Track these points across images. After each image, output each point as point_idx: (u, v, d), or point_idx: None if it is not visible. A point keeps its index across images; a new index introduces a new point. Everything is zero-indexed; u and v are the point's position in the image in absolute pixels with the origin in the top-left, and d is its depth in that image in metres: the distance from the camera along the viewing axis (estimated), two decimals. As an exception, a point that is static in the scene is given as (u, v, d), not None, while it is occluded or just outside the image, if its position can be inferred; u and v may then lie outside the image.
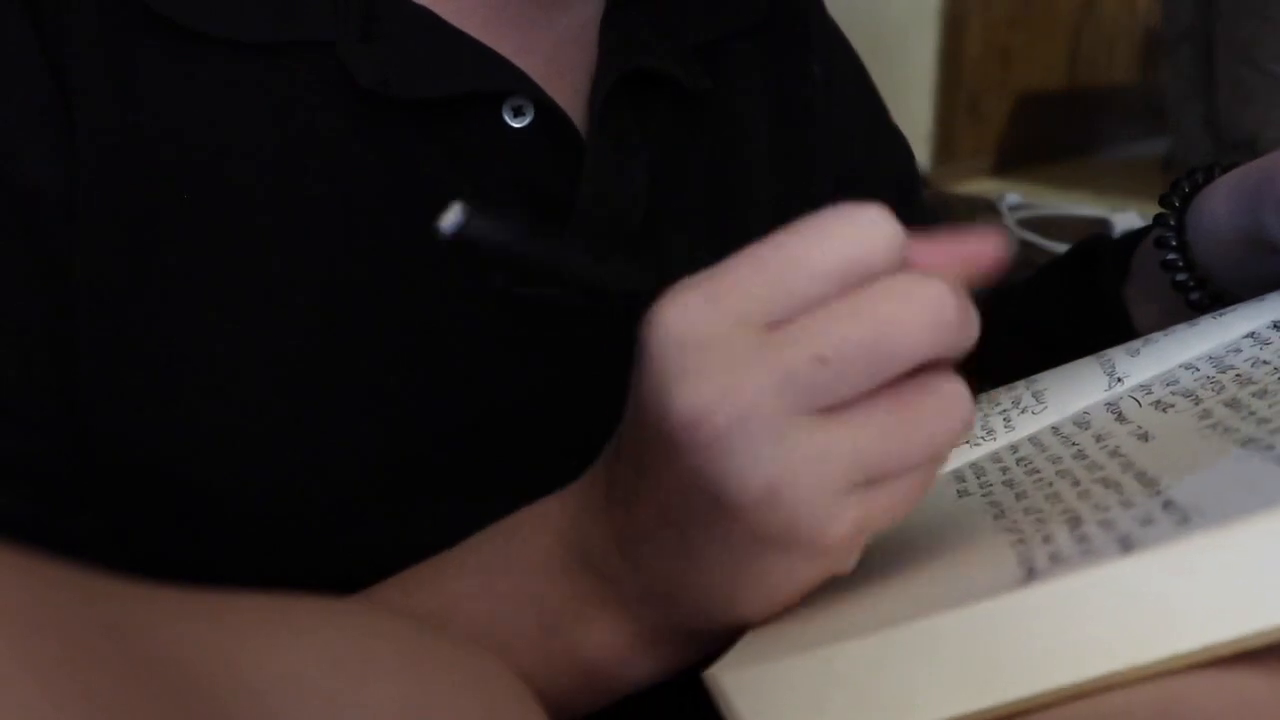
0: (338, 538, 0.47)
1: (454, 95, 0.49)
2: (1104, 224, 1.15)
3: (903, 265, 0.35)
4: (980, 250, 0.36)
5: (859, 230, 0.35)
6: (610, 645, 0.40)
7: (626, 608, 0.40)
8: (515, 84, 0.51)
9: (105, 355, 0.45)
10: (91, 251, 0.45)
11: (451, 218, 0.35)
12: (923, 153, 1.40)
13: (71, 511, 0.45)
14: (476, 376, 0.49)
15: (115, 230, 0.45)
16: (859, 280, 0.34)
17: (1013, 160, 1.48)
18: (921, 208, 0.70)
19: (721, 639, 0.38)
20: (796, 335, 0.34)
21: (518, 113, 0.51)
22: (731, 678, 0.35)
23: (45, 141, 0.45)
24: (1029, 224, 1.26)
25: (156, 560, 0.45)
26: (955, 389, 0.35)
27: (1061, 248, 1.16)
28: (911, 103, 1.42)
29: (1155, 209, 0.58)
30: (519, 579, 0.42)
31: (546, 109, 0.51)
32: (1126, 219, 1.12)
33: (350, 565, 0.44)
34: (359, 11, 0.49)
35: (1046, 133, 1.54)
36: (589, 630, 0.40)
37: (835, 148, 0.64)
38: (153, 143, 0.46)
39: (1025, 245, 1.22)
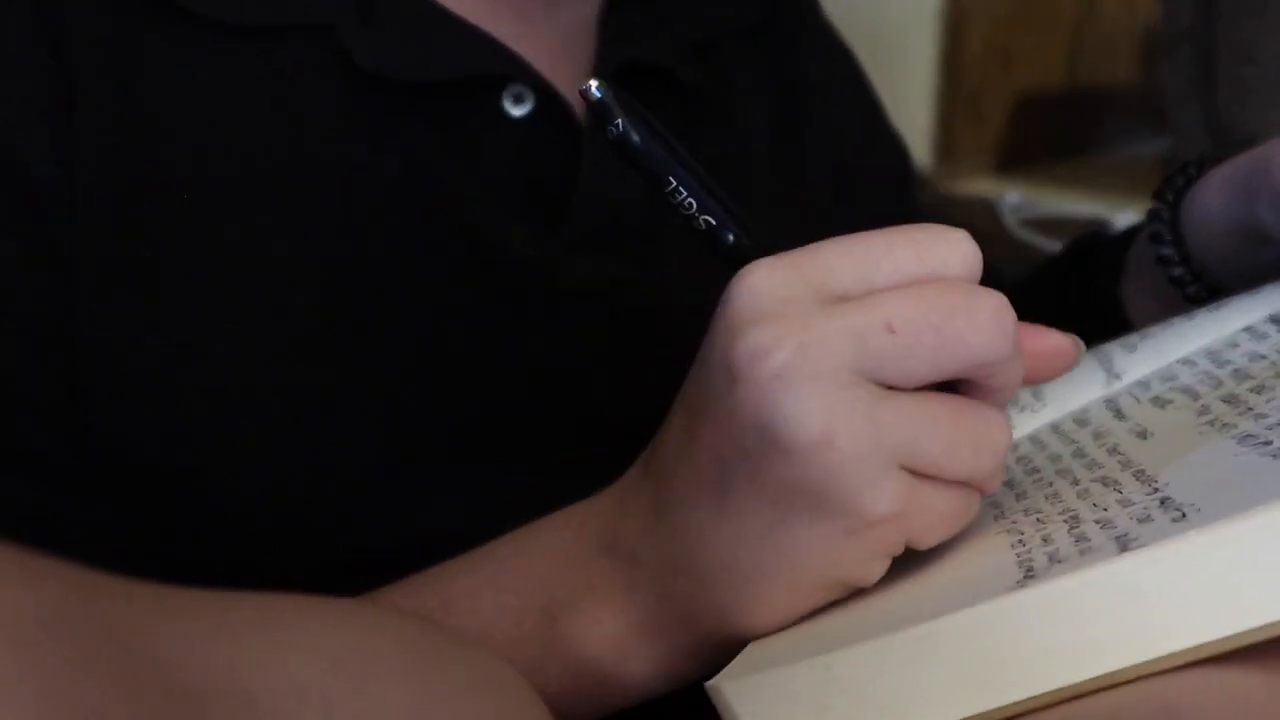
0: (340, 534, 0.47)
1: (454, 80, 0.50)
2: (1104, 224, 1.15)
3: None
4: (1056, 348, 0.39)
5: (945, 246, 0.37)
6: (610, 640, 0.40)
7: (636, 594, 0.40)
8: (516, 71, 0.51)
9: (106, 350, 0.45)
10: (92, 246, 0.45)
11: (594, 87, 0.39)
12: (923, 153, 1.40)
13: (75, 503, 0.45)
14: (480, 368, 0.49)
15: (115, 225, 0.45)
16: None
17: (1013, 160, 1.48)
18: (918, 209, 0.71)
19: (722, 649, 0.38)
20: (869, 304, 0.36)
21: (518, 100, 0.51)
22: (734, 687, 0.35)
23: (46, 134, 0.45)
24: (1029, 224, 1.26)
25: (160, 554, 0.45)
26: (997, 414, 0.37)
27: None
28: (911, 103, 1.42)
29: (1154, 207, 0.58)
30: (528, 568, 0.42)
31: (547, 98, 0.51)
32: (1127, 219, 1.11)
33: (353, 562, 0.44)
34: None
35: (1046, 133, 1.53)
36: (592, 621, 0.40)
37: (831, 147, 0.64)
38: (153, 136, 0.46)
39: (1025, 245, 1.22)
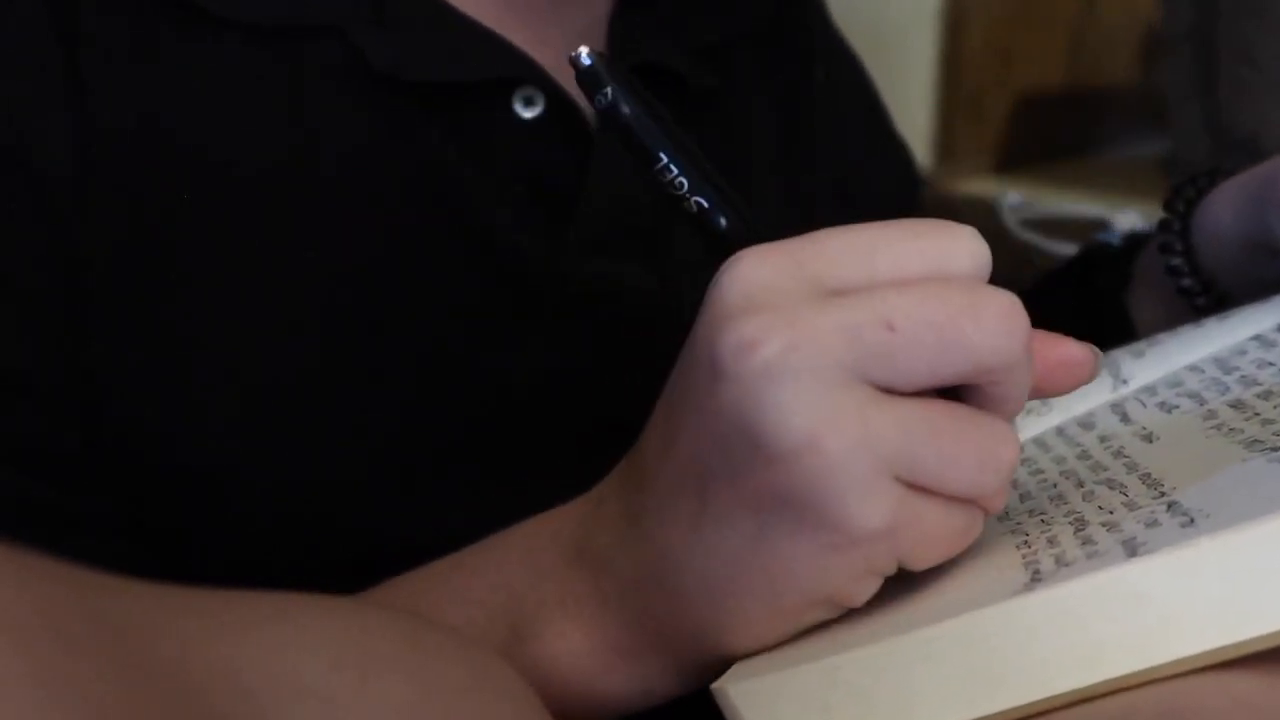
0: (345, 535, 0.47)
1: (466, 82, 0.49)
2: (1104, 224, 1.15)
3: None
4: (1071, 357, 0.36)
5: (952, 241, 0.35)
6: (581, 658, 0.38)
7: (608, 609, 0.38)
8: (527, 74, 0.51)
9: (116, 347, 0.45)
10: (104, 243, 0.45)
11: (584, 55, 0.38)
12: (923, 153, 1.39)
13: (81, 500, 0.45)
14: (489, 368, 0.49)
15: (127, 222, 0.45)
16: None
17: (1013, 160, 1.48)
18: (921, 216, 0.71)
19: (704, 669, 0.37)
20: (867, 299, 0.33)
21: (528, 103, 0.51)
22: (739, 689, 0.35)
23: (60, 131, 0.44)
24: (1029, 224, 1.26)
25: (164, 553, 0.45)
26: (1004, 426, 0.34)
27: (1061, 247, 1.16)
28: (911, 103, 1.42)
29: (1156, 209, 0.59)
30: (499, 579, 0.40)
31: (557, 100, 0.51)
32: (1127, 219, 1.11)
33: (358, 563, 0.44)
34: None
35: (1046, 133, 1.53)
36: (561, 638, 0.39)
37: (837, 155, 0.64)
38: (165, 135, 0.46)
39: (1025, 245, 1.22)
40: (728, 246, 0.36)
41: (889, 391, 0.33)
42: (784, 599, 0.35)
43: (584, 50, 0.38)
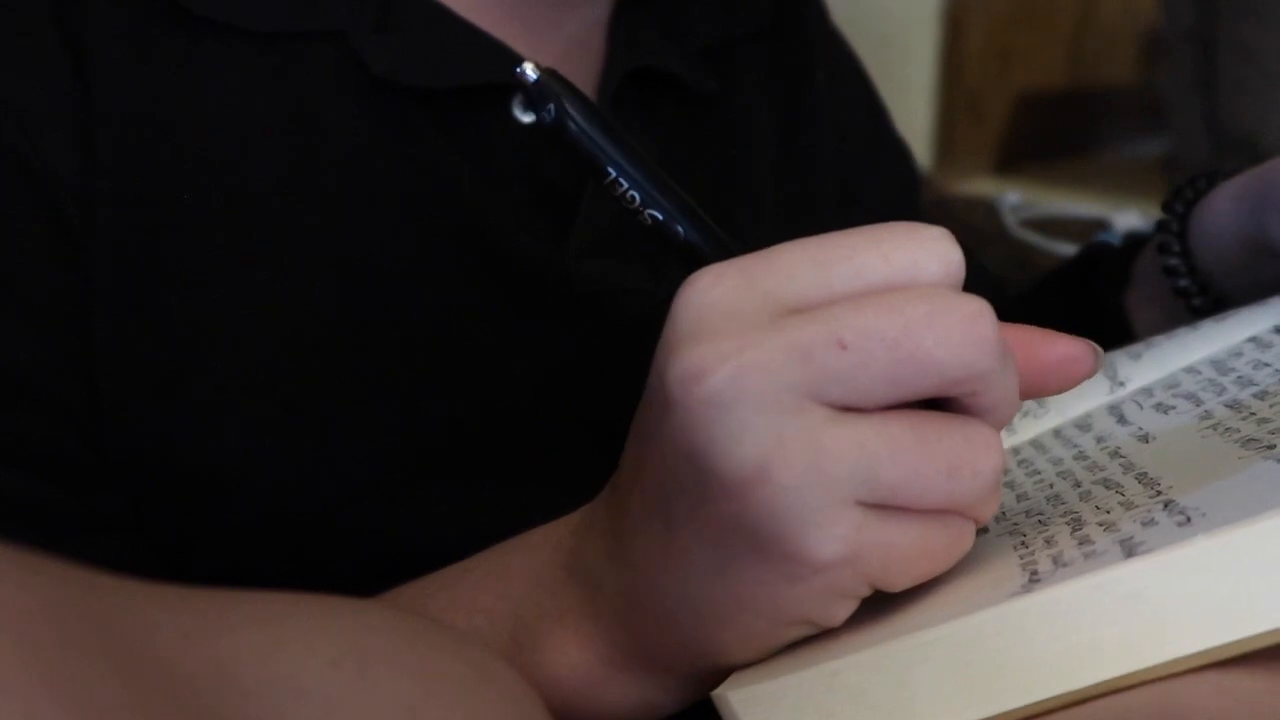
0: (347, 537, 0.47)
1: (465, 86, 0.50)
2: (1104, 224, 1.15)
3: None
4: (1070, 355, 0.35)
5: (918, 247, 0.33)
6: (579, 670, 0.38)
7: (600, 624, 0.38)
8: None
9: (118, 344, 0.45)
10: (108, 246, 0.45)
11: (529, 70, 0.37)
12: (923, 153, 1.40)
13: (88, 496, 0.45)
14: (489, 365, 0.49)
15: (131, 226, 0.45)
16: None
17: (1013, 160, 1.48)
18: (920, 217, 0.70)
19: (699, 681, 0.37)
20: (819, 315, 0.32)
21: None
22: (739, 695, 0.34)
23: (65, 135, 0.45)
24: (1029, 224, 1.26)
25: (171, 548, 0.45)
26: (985, 433, 0.33)
27: (1062, 248, 1.16)
28: (911, 103, 1.42)
29: (1155, 209, 0.59)
30: (503, 588, 0.40)
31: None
32: (1127, 219, 1.12)
33: (359, 557, 0.44)
34: (374, 4, 0.49)
35: (1046, 133, 1.53)
36: (559, 651, 0.38)
37: (837, 155, 0.64)
38: (167, 134, 0.46)
39: (1025, 245, 1.22)
40: (687, 261, 0.36)
41: (853, 410, 0.32)
42: (758, 622, 0.34)
43: (528, 65, 0.37)
